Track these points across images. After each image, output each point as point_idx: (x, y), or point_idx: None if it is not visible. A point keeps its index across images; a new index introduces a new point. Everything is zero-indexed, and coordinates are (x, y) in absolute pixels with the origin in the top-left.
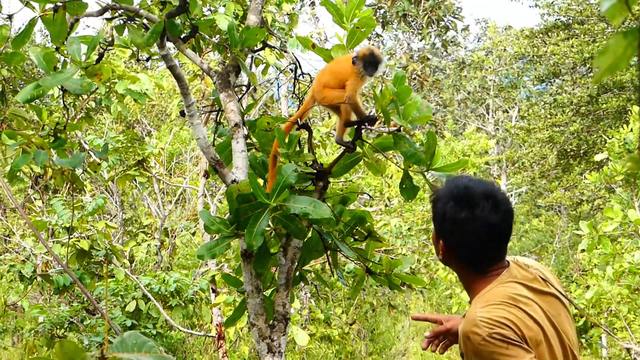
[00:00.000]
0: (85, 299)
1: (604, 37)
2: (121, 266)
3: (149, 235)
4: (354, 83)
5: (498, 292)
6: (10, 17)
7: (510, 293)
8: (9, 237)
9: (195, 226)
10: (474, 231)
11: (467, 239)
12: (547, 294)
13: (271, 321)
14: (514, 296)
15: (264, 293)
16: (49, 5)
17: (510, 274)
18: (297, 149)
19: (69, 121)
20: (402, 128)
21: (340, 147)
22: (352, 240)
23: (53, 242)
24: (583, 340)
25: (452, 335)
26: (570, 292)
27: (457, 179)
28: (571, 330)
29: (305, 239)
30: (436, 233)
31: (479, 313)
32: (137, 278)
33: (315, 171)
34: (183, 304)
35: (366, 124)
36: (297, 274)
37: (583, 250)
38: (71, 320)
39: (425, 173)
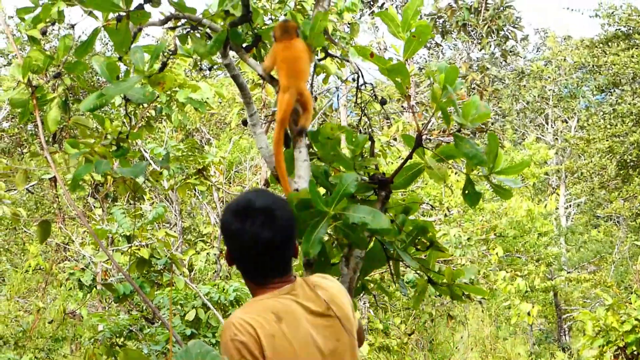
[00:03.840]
0: (144, 307)
1: None
2: (181, 275)
3: (207, 244)
4: None
5: (265, 304)
6: (72, 26)
7: (277, 308)
8: (68, 245)
9: None
10: (243, 244)
11: (238, 251)
12: (325, 317)
13: None
14: (279, 312)
15: None
16: (112, 15)
17: (290, 289)
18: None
19: (130, 130)
20: (461, 128)
21: (400, 157)
22: (414, 250)
23: (113, 250)
24: None
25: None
26: (631, 303)
27: (248, 192)
28: (349, 356)
29: (368, 249)
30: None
31: (233, 316)
32: (196, 287)
33: (377, 181)
34: None
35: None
36: (359, 284)
37: None
38: (130, 328)
39: (489, 177)
